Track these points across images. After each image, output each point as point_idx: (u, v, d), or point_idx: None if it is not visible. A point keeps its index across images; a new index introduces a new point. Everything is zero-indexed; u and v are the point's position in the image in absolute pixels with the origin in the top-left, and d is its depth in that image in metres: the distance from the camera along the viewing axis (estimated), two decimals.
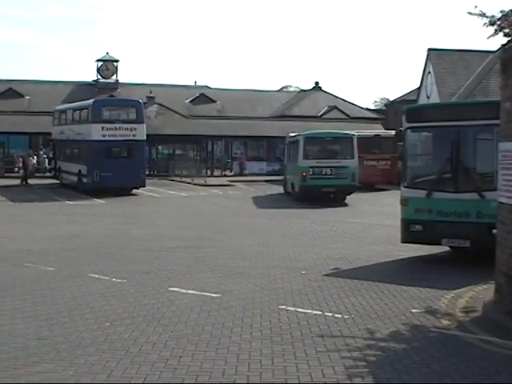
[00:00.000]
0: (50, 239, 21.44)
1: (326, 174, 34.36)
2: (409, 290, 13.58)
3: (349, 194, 35.48)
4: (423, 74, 53.42)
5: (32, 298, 13.08)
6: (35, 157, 55.50)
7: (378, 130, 52.72)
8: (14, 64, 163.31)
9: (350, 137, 35.86)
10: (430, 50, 52.33)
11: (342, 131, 38.40)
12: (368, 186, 42.04)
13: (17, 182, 46.66)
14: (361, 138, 43.13)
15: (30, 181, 46.78)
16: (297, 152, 35.52)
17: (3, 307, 12.31)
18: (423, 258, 17.80)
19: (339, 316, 11.54)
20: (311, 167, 34.34)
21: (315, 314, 11.63)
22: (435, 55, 51.77)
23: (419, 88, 54.83)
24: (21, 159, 50.77)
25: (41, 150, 58.58)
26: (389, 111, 68.77)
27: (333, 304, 12.46)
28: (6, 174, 52.14)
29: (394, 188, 33.66)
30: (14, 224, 26.03)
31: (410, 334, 10.56)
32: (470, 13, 13.64)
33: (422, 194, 16.78)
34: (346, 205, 33.89)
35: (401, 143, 18.74)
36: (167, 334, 10.43)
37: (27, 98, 67.47)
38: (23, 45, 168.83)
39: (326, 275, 15.26)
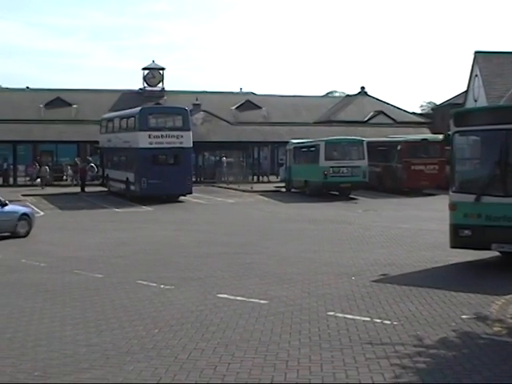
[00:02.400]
0: (98, 246, 21.65)
1: (343, 173, 40.82)
2: (458, 296, 13.41)
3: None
4: (470, 77, 52.90)
5: (81, 304, 13.21)
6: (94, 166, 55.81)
7: (425, 134, 52.30)
8: (62, 73, 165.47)
9: (361, 141, 41.94)
10: (476, 52, 51.84)
11: (354, 137, 43.94)
12: (415, 191, 41.79)
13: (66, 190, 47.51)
14: (408, 143, 43.34)
15: (78, 189, 47.62)
16: (316, 155, 41.76)
17: (53, 314, 12.45)
18: (473, 263, 17.59)
19: (388, 322, 11.44)
20: (331, 167, 40.73)
21: (364, 321, 11.55)
22: (482, 58, 51.26)
23: (466, 91, 54.30)
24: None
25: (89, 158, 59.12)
26: (435, 115, 68.00)
27: (381, 310, 12.36)
28: (54, 182, 52.77)
29: (442, 193, 33.40)
30: (62, 231, 26.35)
31: (461, 340, 10.41)
32: None
33: (470, 198, 16.55)
34: (388, 209, 33.71)
35: (449, 147, 18.56)
36: (216, 340, 10.42)
37: (75, 106, 68.26)
38: (70, 54, 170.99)
39: (374, 281, 15.16)
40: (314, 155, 42.42)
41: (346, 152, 41.88)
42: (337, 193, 41.83)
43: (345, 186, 40.96)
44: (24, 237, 24.32)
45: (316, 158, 41.66)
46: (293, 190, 45.60)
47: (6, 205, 24.47)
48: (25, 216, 24.92)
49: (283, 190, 47.03)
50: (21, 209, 25.65)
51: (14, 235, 24.21)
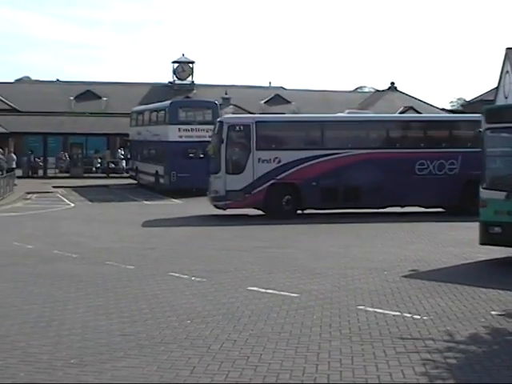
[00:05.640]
0: (129, 238, 21.87)
1: None
2: (488, 293, 13.44)
3: None
4: (501, 74, 52.59)
5: (114, 295, 13.40)
6: None
7: None
8: (92, 66, 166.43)
9: None
10: (508, 48, 51.52)
11: None
12: None
13: (95, 182, 48.07)
14: None
15: (107, 181, 48.05)
16: None
17: (87, 304, 12.64)
18: (502, 260, 17.59)
19: (418, 317, 11.51)
20: None
21: (394, 315, 11.62)
22: None
23: (497, 88, 53.98)
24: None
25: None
26: (465, 112, 67.63)
27: (411, 305, 12.42)
28: (84, 175, 53.20)
29: None
30: (93, 223, 26.63)
31: (490, 336, 10.47)
32: None
33: (501, 195, 16.58)
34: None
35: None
36: (247, 332, 10.56)
37: (104, 99, 68.61)
38: (100, 47, 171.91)
39: (403, 276, 15.21)
40: None
41: None
42: None
43: None
44: None
45: None
46: None
47: None
48: None
49: None
50: None
51: None
